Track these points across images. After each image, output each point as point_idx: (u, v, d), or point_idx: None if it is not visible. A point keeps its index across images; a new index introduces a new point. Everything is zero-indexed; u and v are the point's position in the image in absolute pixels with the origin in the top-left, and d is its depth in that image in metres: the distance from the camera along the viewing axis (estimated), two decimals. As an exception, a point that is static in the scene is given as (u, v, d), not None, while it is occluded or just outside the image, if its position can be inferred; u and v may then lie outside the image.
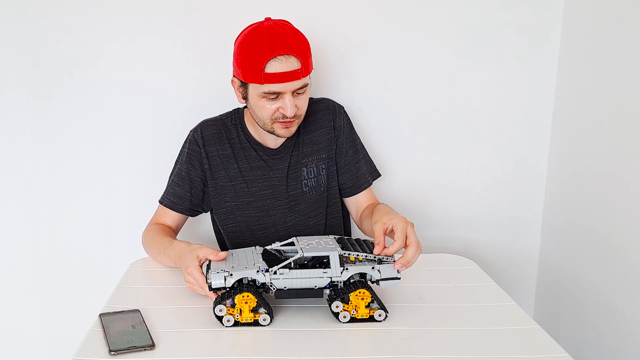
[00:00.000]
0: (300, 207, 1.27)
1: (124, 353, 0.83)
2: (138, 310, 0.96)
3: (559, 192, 1.50)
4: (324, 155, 1.28)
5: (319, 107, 1.30)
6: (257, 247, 1.03)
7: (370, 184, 1.33)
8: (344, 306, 0.94)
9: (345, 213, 1.38)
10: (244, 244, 1.28)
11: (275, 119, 1.15)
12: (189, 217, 1.31)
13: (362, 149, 1.35)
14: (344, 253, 0.95)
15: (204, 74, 1.43)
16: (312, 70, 1.19)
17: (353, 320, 0.95)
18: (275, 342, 0.89)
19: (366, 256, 0.96)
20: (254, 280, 0.94)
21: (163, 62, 1.41)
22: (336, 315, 0.95)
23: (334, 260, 0.94)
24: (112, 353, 0.83)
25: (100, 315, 0.94)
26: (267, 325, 0.93)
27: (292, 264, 0.95)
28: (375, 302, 0.95)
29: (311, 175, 1.27)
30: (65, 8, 1.37)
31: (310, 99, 1.29)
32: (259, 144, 1.26)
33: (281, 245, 1.02)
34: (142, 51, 1.41)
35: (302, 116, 1.19)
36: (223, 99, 1.43)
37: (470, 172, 1.53)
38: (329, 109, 1.30)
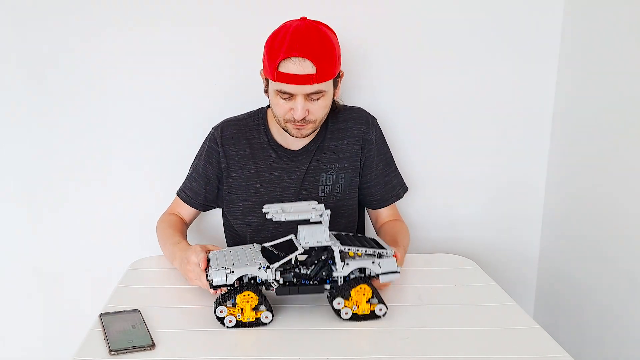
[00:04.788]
0: None
1: (124, 353, 0.84)
2: (138, 310, 0.96)
3: (559, 191, 1.50)
4: (345, 165, 1.27)
5: (352, 115, 1.29)
6: (254, 244, 1.03)
7: (401, 197, 1.34)
8: (345, 302, 0.94)
9: (361, 227, 1.39)
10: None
11: (287, 119, 1.15)
12: (202, 211, 1.35)
13: (393, 163, 1.34)
14: (344, 248, 0.95)
15: (203, 75, 1.43)
16: (340, 79, 1.19)
17: (354, 317, 0.95)
18: (275, 342, 0.89)
19: (366, 251, 0.96)
20: (254, 278, 0.94)
21: (164, 62, 1.41)
22: (337, 312, 0.95)
23: (336, 256, 0.94)
24: (112, 353, 0.83)
25: (100, 315, 0.94)
26: (269, 323, 0.93)
27: (293, 260, 0.95)
28: (375, 297, 0.95)
29: (329, 182, 1.26)
30: (66, 7, 1.37)
31: (343, 106, 1.31)
32: (280, 145, 1.26)
33: (279, 243, 1.02)
34: (143, 51, 1.40)
35: (318, 122, 1.17)
36: (222, 99, 1.43)
37: (470, 171, 1.53)
38: (362, 120, 1.29)
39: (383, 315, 0.96)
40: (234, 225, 1.32)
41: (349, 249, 0.96)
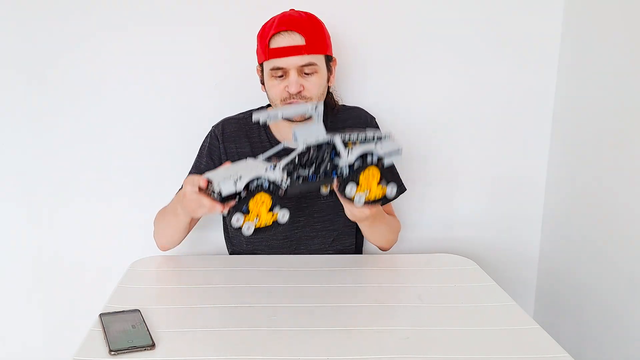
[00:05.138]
0: (311, 209, 1.26)
1: (124, 353, 0.83)
2: (138, 310, 0.96)
3: (559, 191, 1.50)
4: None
5: (351, 115, 1.30)
6: (248, 158, 1.02)
7: (395, 197, 1.31)
8: (357, 188, 0.94)
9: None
10: (249, 242, 1.28)
11: (283, 99, 1.16)
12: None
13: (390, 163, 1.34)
14: (344, 137, 0.95)
15: (203, 75, 1.43)
16: (334, 66, 1.22)
17: (367, 203, 0.95)
18: (275, 342, 0.89)
19: (365, 138, 0.96)
20: (260, 185, 0.92)
21: (164, 62, 1.42)
22: (351, 200, 0.94)
23: (338, 145, 0.93)
24: (112, 353, 0.83)
25: (100, 315, 0.94)
26: (287, 221, 0.92)
27: (296, 160, 0.94)
28: (384, 179, 0.95)
29: None
30: (66, 7, 1.37)
31: (342, 106, 1.32)
32: (279, 143, 1.26)
33: (273, 154, 1.01)
34: (143, 51, 1.41)
35: (313, 100, 1.18)
36: (223, 99, 1.43)
37: (471, 171, 1.53)
38: (360, 119, 1.30)
39: (394, 196, 0.97)
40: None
41: (349, 138, 0.95)
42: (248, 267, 1.19)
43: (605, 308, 1.31)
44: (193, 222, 1.31)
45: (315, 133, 0.94)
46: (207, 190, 0.95)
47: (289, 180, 0.92)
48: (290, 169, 0.93)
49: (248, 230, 0.90)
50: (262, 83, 1.22)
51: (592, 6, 1.34)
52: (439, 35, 1.45)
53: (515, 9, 1.44)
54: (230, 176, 0.89)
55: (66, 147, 1.45)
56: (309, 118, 0.97)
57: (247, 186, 0.91)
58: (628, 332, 1.23)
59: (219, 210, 0.94)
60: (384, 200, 0.97)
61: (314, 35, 1.14)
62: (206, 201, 0.95)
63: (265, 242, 1.28)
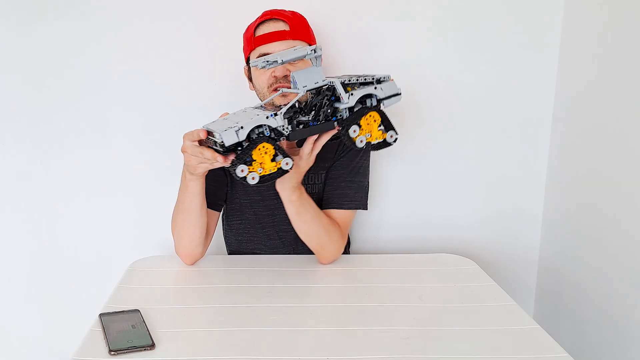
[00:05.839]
0: None
1: (124, 353, 0.84)
2: (138, 310, 0.96)
3: (559, 191, 1.50)
4: (327, 165, 1.27)
5: None
6: (245, 107, 1.01)
7: (343, 209, 1.24)
8: (360, 131, 0.95)
9: None
10: (249, 240, 1.29)
11: (270, 85, 1.17)
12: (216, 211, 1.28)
13: (358, 175, 1.27)
14: (343, 80, 0.95)
15: (204, 74, 1.43)
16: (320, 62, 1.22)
17: (369, 146, 0.97)
18: (275, 342, 0.89)
19: (365, 79, 0.97)
20: (261, 133, 0.91)
21: (164, 62, 1.42)
22: (353, 141, 0.96)
23: (339, 88, 0.94)
24: (112, 353, 0.83)
25: (100, 315, 0.94)
26: (290, 168, 0.93)
27: (297, 104, 0.94)
28: (383, 124, 0.97)
29: (311, 181, 1.27)
30: (66, 8, 1.37)
31: None
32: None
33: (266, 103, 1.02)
34: (143, 51, 1.41)
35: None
36: (223, 98, 1.44)
37: (470, 171, 1.53)
38: None
39: (394, 141, 0.99)
40: (229, 225, 1.32)
41: (349, 80, 0.96)
42: (248, 267, 1.19)
43: (605, 308, 1.31)
44: (212, 222, 1.25)
45: (314, 77, 0.94)
46: (207, 142, 0.94)
47: (290, 127, 0.93)
48: (290, 116, 0.93)
49: (253, 180, 0.90)
50: (250, 80, 1.24)
51: (592, 6, 1.34)
52: (438, 36, 1.44)
53: (515, 9, 1.44)
54: (231, 127, 0.88)
55: (66, 146, 1.45)
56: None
57: (248, 136, 0.90)
58: (627, 332, 1.23)
59: (221, 161, 0.92)
60: (384, 144, 0.98)
61: (297, 23, 1.18)
62: (207, 152, 0.93)
63: (264, 242, 1.28)
